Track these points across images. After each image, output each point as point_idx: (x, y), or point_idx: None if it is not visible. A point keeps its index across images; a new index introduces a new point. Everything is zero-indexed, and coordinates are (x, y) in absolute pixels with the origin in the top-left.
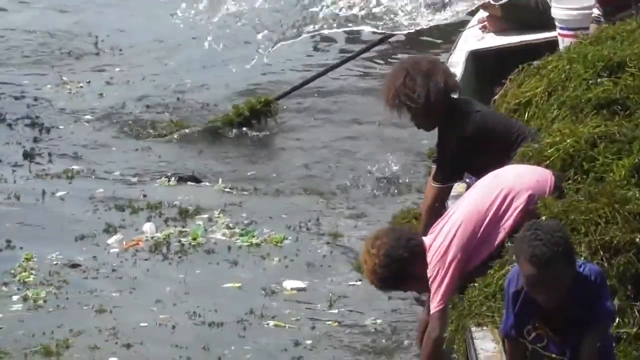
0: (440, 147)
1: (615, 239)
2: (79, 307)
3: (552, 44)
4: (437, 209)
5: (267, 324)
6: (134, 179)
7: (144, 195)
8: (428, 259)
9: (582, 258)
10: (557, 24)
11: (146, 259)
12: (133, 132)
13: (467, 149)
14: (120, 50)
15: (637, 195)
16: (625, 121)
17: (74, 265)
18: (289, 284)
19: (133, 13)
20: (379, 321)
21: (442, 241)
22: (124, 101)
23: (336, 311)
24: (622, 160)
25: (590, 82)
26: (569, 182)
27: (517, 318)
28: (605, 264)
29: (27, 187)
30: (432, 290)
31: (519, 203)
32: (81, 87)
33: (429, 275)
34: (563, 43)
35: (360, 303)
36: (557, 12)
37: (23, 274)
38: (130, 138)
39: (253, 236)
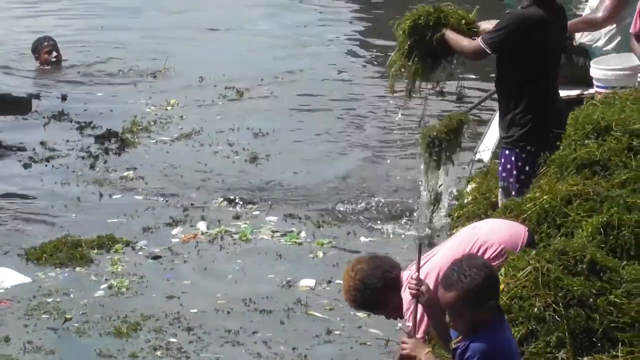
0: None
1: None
2: (153, 294)
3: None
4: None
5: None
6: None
7: (192, 204)
8: (403, 294)
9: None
10: (594, 81)
11: (206, 250)
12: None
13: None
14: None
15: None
16: (603, 181)
17: (156, 257)
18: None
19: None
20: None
21: None
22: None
23: None
24: (591, 218)
25: (578, 142)
26: (542, 235)
27: None
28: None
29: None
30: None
31: (489, 254)
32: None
33: (404, 309)
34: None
35: None
36: (595, 72)
37: (114, 266)
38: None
39: (297, 237)
